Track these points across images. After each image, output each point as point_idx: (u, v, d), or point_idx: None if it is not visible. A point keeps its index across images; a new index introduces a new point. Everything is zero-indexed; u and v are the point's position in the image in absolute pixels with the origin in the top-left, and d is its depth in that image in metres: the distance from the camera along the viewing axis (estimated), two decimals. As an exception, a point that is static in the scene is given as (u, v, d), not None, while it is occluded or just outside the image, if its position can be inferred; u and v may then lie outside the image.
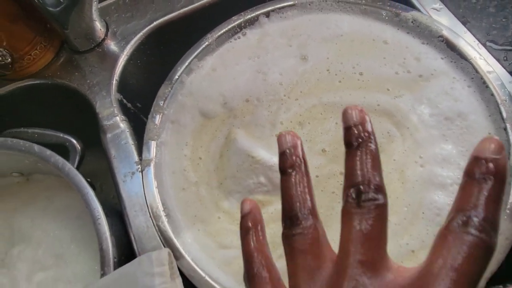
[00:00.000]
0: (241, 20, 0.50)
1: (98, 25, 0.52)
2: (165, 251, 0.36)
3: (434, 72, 0.44)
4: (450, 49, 0.44)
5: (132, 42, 0.53)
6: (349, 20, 0.49)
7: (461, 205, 0.17)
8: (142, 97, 0.53)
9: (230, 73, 0.48)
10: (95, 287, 0.35)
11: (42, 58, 0.52)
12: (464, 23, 0.46)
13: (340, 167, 0.41)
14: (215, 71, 0.49)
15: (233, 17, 0.51)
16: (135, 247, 0.41)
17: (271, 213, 0.40)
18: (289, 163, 0.21)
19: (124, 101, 0.51)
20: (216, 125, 0.46)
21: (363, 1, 0.48)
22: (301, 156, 0.21)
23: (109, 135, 0.47)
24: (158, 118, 0.47)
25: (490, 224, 0.16)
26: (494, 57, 0.43)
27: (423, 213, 0.38)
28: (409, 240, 0.37)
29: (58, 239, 0.47)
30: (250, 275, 0.21)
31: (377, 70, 0.45)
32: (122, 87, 0.51)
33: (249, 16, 0.50)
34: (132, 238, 0.41)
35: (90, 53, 0.53)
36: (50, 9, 0.46)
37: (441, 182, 0.39)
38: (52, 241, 0.47)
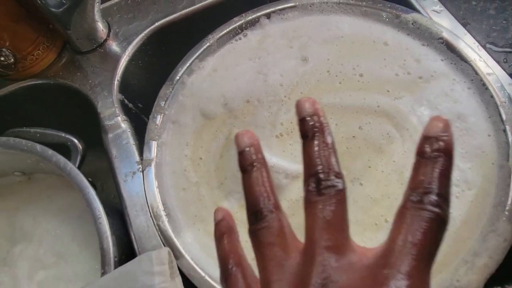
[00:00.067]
0: (242, 21, 0.51)
1: (100, 26, 0.53)
2: (165, 250, 0.36)
3: (434, 73, 0.44)
4: (450, 51, 0.44)
5: (134, 42, 0.53)
6: (350, 22, 0.49)
7: (416, 183, 0.18)
8: (143, 97, 0.54)
9: (231, 74, 0.48)
10: (95, 286, 0.36)
11: (45, 59, 0.53)
12: (464, 25, 0.46)
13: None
14: (216, 72, 0.49)
15: (234, 18, 0.51)
16: (135, 247, 0.41)
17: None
18: (249, 161, 0.22)
19: (126, 101, 0.51)
20: (217, 125, 0.46)
21: (364, 3, 0.49)
22: (259, 153, 0.22)
23: (110, 135, 0.47)
24: (159, 118, 0.47)
25: (443, 199, 0.17)
26: (494, 59, 0.43)
27: (422, 214, 0.38)
28: (408, 241, 0.37)
29: (59, 238, 0.48)
30: (226, 275, 0.22)
31: (377, 71, 0.45)
32: (124, 88, 0.52)
33: (250, 17, 0.51)
34: (133, 237, 0.41)
35: (92, 53, 0.53)
36: (53, 9, 0.47)
37: (440, 183, 0.39)
38: (53, 240, 0.48)
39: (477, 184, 0.38)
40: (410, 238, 0.17)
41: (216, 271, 0.39)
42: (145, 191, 0.43)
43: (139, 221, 0.42)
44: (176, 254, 0.39)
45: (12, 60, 0.49)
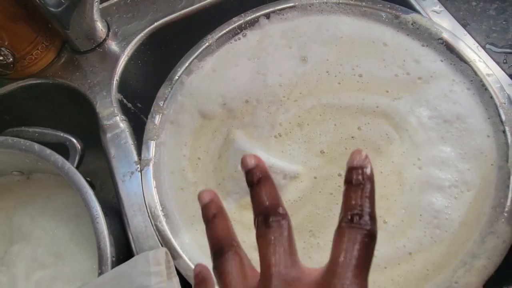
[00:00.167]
0: (242, 21, 0.50)
1: (99, 26, 0.53)
2: (162, 250, 0.36)
3: (434, 74, 0.44)
4: (450, 51, 0.44)
5: (133, 42, 0.53)
6: (349, 22, 0.49)
7: (349, 207, 0.21)
8: (142, 97, 0.54)
9: (230, 74, 0.48)
10: (91, 286, 0.35)
11: (44, 58, 0.53)
12: (464, 26, 0.46)
13: (338, 168, 0.41)
14: (215, 72, 0.49)
15: (233, 18, 0.51)
16: (133, 247, 0.41)
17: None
18: (211, 213, 0.25)
19: (124, 101, 0.51)
20: (215, 125, 0.46)
21: (363, 3, 0.48)
22: (219, 203, 0.25)
23: (109, 135, 0.47)
24: (157, 118, 0.47)
25: (372, 218, 0.21)
26: (494, 60, 0.43)
27: (420, 215, 0.38)
28: (406, 242, 0.37)
29: (57, 237, 0.48)
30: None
31: (377, 72, 0.45)
32: (123, 87, 0.52)
33: (249, 17, 0.51)
34: (130, 237, 0.41)
35: (91, 53, 0.53)
36: (52, 9, 0.47)
37: (439, 184, 0.39)
38: (51, 240, 0.48)
39: (476, 185, 0.38)
40: (350, 252, 0.20)
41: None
42: (143, 191, 0.43)
43: (136, 221, 0.42)
44: (173, 254, 0.39)
45: (11, 59, 0.49)
